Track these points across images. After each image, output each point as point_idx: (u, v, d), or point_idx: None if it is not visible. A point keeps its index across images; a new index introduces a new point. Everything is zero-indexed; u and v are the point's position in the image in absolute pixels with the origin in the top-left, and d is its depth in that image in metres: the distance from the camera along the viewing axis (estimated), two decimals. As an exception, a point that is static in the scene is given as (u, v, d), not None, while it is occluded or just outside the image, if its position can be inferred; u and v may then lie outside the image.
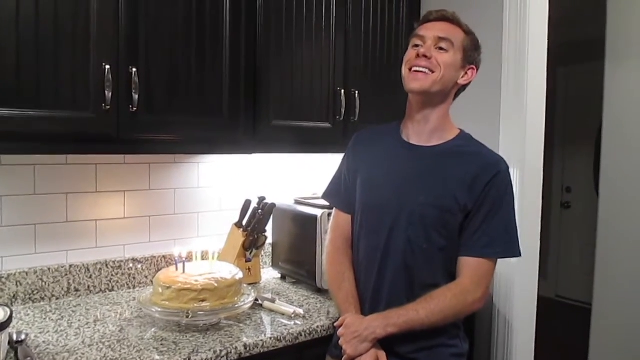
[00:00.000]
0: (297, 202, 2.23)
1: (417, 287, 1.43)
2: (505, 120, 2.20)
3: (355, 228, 1.57)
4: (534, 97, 2.16)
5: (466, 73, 1.46)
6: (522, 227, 2.13)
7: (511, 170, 2.14)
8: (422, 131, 1.49)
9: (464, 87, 1.50)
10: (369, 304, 1.51)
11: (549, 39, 2.19)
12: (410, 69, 1.43)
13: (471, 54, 1.45)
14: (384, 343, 1.42)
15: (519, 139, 2.15)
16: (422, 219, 1.42)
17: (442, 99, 1.46)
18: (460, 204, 1.40)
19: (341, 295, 1.53)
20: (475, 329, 2.32)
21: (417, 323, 1.37)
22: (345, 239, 1.59)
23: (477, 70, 1.49)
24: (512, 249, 1.46)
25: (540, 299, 2.27)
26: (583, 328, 3.12)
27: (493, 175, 1.41)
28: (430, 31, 1.43)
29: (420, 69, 1.41)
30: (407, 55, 1.47)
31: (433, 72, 1.40)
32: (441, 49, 1.41)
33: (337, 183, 1.66)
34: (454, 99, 1.52)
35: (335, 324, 1.49)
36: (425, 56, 1.40)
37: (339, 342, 1.43)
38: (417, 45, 1.44)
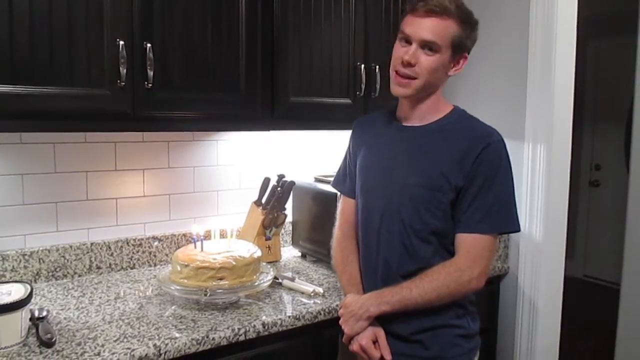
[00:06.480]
0: (317, 180, 2.21)
1: (416, 269, 1.40)
2: (532, 95, 2.13)
3: (357, 212, 1.58)
4: (562, 72, 2.09)
5: (457, 63, 1.41)
6: (548, 206, 2.12)
7: (538, 147, 2.11)
8: (413, 114, 1.47)
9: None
10: (370, 285, 1.50)
11: (578, 11, 2.10)
12: (396, 72, 1.40)
13: (463, 44, 1.38)
14: (384, 325, 1.42)
15: (546, 114, 2.09)
16: (412, 199, 1.40)
17: (432, 92, 1.43)
18: (450, 182, 1.37)
19: (345, 277, 1.55)
20: (499, 308, 2.28)
21: (411, 301, 1.36)
22: (351, 224, 1.59)
23: (469, 52, 1.42)
24: (509, 224, 1.41)
25: (567, 279, 2.23)
26: (611, 308, 3.06)
27: (482, 148, 1.36)
28: (417, 29, 1.35)
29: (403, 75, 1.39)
30: (394, 52, 1.42)
31: (416, 78, 1.37)
32: (430, 49, 1.35)
33: (343, 170, 1.67)
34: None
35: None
36: (409, 63, 1.36)
37: (339, 322, 1.45)
38: (404, 40, 1.39)
